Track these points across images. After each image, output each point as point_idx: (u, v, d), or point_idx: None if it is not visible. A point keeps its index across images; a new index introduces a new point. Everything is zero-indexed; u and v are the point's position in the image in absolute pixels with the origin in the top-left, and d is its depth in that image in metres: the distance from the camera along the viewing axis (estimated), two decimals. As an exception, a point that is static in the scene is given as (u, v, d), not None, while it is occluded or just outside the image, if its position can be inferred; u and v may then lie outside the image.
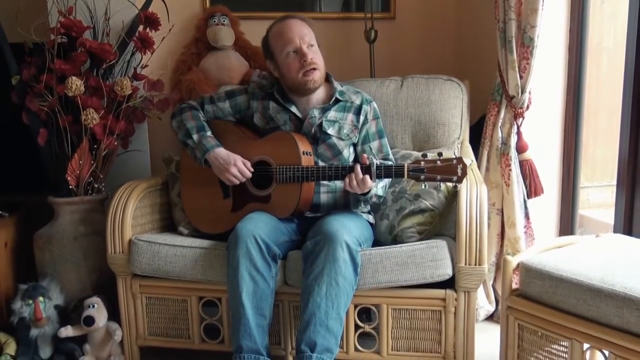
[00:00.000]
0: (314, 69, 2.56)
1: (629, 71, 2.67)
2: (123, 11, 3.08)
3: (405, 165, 2.33)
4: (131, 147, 3.16)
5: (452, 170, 2.28)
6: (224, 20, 3.35)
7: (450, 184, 2.40)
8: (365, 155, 2.44)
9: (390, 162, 2.66)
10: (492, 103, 2.96)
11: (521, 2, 2.74)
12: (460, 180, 2.29)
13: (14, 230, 3.05)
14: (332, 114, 2.65)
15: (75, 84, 2.78)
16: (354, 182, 2.39)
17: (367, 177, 2.36)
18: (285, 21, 2.60)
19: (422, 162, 2.31)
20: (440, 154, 2.32)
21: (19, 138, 3.05)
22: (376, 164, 2.38)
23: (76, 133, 2.89)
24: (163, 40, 3.09)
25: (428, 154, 2.38)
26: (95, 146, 2.92)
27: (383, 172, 2.38)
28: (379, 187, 2.55)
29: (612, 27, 3.52)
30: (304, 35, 2.56)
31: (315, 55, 2.57)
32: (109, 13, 3.04)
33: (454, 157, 2.31)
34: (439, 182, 2.32)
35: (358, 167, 2.37)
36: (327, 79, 2.72)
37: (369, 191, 2.46)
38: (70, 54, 2.90)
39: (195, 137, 2.62)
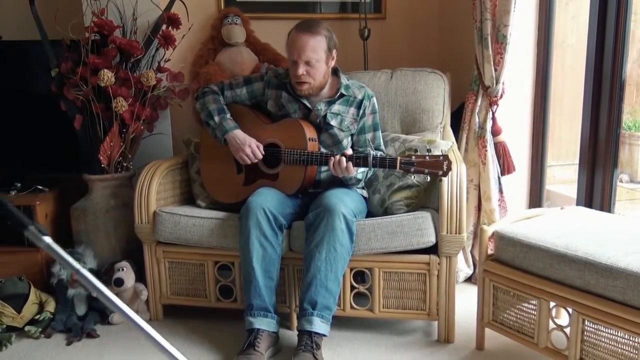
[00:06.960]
0: (303, 82, 2.48)
1: (590, 65, 2.68)
2: (148, 12, 3.05)
3: (398, 158, 2.29)
4: (155, 131, 3.13)
5: (439, 166, 2.24)
6: (236, 20, 3.31)
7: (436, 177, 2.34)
8: (348, 150, 2.43)
9: (380, 152, 2.61)
10: (470, 92, 2.94)
11: (495, 4, 2.72)
12: (445, 174, 2.25)
13: (54, 203, 3.03)
14: (336, 107, 2.58)
15: (107, 76, 2.75)
16: (338, 169, 2.36)
17: (349, 164, 2.34)
18: (297, 33, 2.45)
19: (413, 157, 2.27)
20: (429, 150, 2.29)
21: (58, 123, 3.03)
22: (372, 155, 2.35)
23: (107, 118, 2.87)
24: (183, 37, 3.07)
25: (418, 148, 2.35)
26: (124, 130, 2.91)
27: (378, 162, 2.34)
28: (358, 172, 2.51)
29: (575, 26, 3.50)
30: (304, 51, 2.41)
31: (311, 70, 2.46)
32: (137, 14, 3.02)
33: (442, 154, 2.27)
34: (426, 175, 2.28)
35: (344, 157, 2.34)
36: (336, 74, 2.63)
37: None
38: (102, 50, 2.87)
39: (216, 118, 2.58)
